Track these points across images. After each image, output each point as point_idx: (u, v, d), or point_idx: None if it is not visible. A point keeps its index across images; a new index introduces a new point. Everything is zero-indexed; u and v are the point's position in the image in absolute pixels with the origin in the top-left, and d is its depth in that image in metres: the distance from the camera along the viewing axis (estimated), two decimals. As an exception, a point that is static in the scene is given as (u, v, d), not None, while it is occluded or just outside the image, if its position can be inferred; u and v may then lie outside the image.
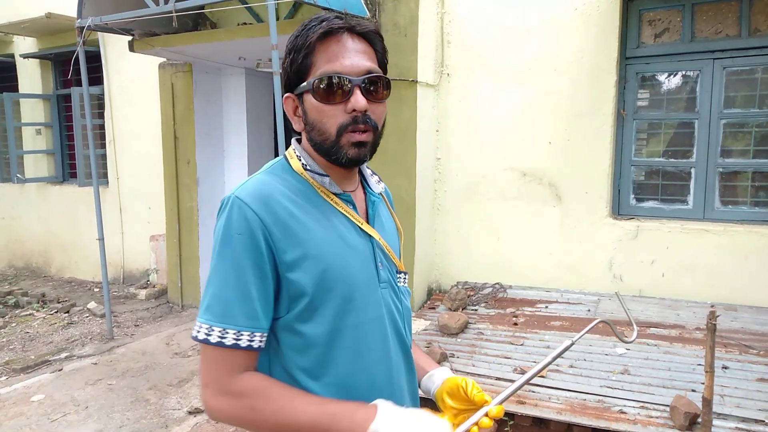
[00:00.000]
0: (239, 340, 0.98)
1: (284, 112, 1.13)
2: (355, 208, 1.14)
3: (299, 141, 1.15)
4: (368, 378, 1.08)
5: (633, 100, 4.19)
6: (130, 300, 6.16)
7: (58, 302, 6.19)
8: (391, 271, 1.18)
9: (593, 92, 4.17)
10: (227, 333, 0.97)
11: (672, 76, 4.10)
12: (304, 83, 1.04)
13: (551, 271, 4.41)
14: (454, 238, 4.79)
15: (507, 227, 4.57)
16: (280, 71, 1.12)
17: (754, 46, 3.80)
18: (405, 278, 1.25)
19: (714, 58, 3.91)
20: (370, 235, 1.13)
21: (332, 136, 1.04)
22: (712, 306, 3.81)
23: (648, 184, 4.24)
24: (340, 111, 1.03)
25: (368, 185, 1.21)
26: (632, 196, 4.28)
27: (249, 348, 0.99)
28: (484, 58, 4.56)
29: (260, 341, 1.00)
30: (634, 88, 4.17)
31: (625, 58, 4.16)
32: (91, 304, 5.87)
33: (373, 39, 1.09)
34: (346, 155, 1.05)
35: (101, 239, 4.79)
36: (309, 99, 1.05)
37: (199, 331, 0.99)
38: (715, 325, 2.42)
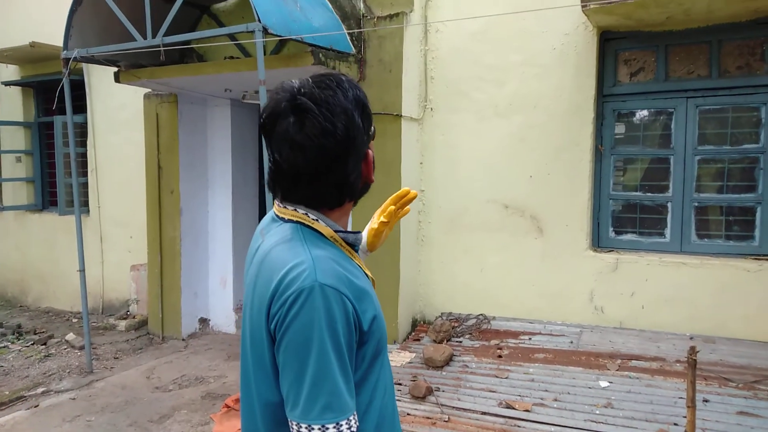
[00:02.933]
0: (350, 423, 0.98)
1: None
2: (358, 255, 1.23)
3: (313, 207, 1.13)
4: (391, 404, 1.17)
5: (610, 136, 4.32)
6: (109, 331, 6.05)
7: (35, 333, 6.05)
8: None
9: (572, 128, 4.29)
10: (350, 421, 0.98)
11: (648, 114, 4.25)
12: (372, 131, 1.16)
13: (534, 302, 4.47)
14: (438, 268, 4.83)
15: (490, 258, 4.63)
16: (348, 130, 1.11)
17: (724, 86, 3.97)
18: None
19: (687, 97, 4.07)
20: (370, 277, 1.21)
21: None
22: (691, 338, 3.89)
23: (626, 217, 4.35)
24: None
25: None
26: (611, 229, 4.38)
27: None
28: (466, 93, 4.67)
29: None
30: (611, 124, 4.31)
31: (602, 96, 4.31)
32: (70, 336, 5.75)
33: None
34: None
35: (82, 271, 4.72)
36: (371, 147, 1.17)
37: None
38: (695, 360, 2.48)
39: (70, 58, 4.39)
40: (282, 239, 1.09)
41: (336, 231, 1.12)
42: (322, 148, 1.03)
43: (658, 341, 3.95)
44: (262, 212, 6.37)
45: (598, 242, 4.38)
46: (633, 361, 3.72)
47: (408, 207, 1.49)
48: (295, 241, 1.07)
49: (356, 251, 1.18)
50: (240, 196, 6.01)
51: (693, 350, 2.49)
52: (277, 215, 1.17)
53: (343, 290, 0.99)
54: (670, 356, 3.73)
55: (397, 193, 1.47)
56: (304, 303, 0.96)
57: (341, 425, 0.95)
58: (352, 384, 1.00)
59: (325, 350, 0.95)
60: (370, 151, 1.14)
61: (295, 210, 1.12)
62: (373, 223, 1.47)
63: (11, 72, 7.22)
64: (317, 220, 1.11)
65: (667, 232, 4.20)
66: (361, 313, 1.02)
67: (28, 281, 7.42)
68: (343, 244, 1.13)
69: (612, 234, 4.37)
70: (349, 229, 1.18)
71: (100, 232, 6.65)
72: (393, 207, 1.45)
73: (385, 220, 1.44)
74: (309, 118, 1.02)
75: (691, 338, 3.90)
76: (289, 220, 1.12)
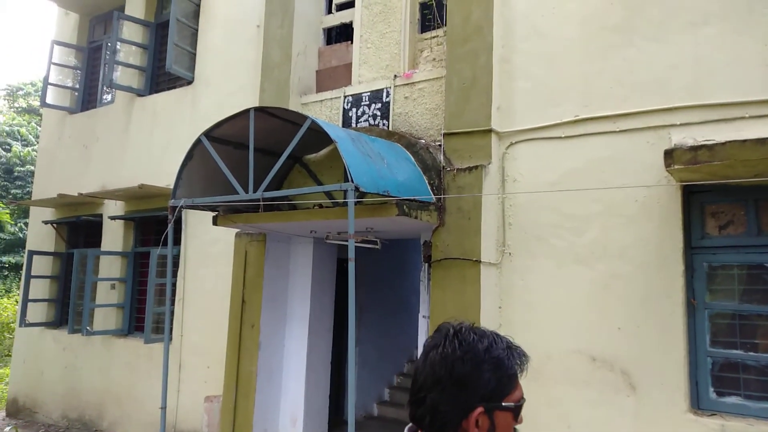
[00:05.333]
0: None
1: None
2: None
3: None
4: None
5: (703, 289, 4.15)
6: (178, 466, 5.99)
7: (108, 465, 6.08)
8: None
9: (660, 280, 4.18)
10: None
11: (741, 268, 4.09)
12: (510, 404, 1.19)
13: (629, 468, 4.09)
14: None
15: (577, 415, 4.35)
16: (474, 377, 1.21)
17: (826, 243, 3.80)
18: None
19: (784, 252, 3.91)
20: None
21: None
22: None
23: (728, 377, 4.04)
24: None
25: None
26: (711, 389, 4.05)
27: None
28: (544, 239, 4.70)
29: None
30: (703, 277, 4.16)
31: (690, 248, 4.21)
32: (141, 471, 5.73)
33: None
34: None
35: (163, 408, 4.82)
36: (505, 417, 1.19)
37: None
38: None
39: (177, 207, 4.84)
40: None
41: None
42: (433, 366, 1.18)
43: None
44: (336, 348, 6.40)
45: (698, 404, 4.05)
46: None
47: None
48: None
49: None
50: (315, 332, 6.09)
51: None
52: None
53: None
54: None
55: None
56: None
57: None
58: None
59: None
60: (481, 412, 1.16)
61: None
62: None
63: (117, 208, 7.99)
64: None
65: (778, 397, 3.84)
66: None
67: (106, 405, 7.61)
68: None
69: (713, 395, 4.04)
70: None
71: (180, 361, 6.84)
72: None
73: None
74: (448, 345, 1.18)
75: None
76: None
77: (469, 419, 1.15)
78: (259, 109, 4.51)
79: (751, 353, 3.97)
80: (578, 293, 4.49)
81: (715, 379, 4.07)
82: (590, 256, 4.49)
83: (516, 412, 1.20)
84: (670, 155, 3.75)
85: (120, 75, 8.25)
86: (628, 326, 4.26)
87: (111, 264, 7.93)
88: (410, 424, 1.23)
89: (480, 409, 1.15)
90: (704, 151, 3.63)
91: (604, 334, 4.34)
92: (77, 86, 9.21)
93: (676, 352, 4.07)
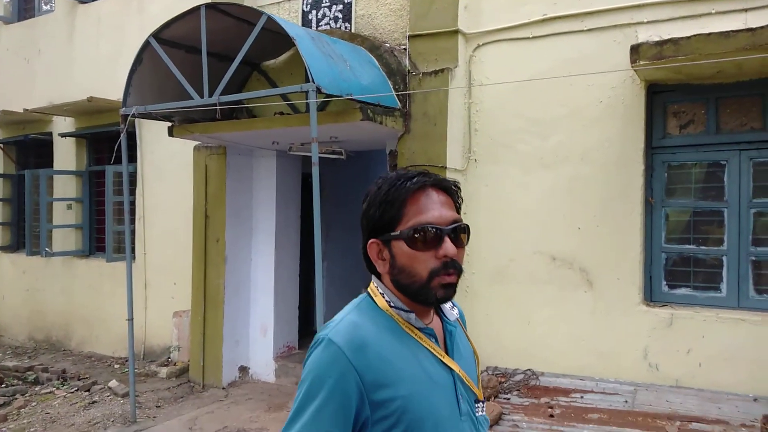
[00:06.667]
0: None
1: (368, 255, 1.20)
2: (436, 341, 1.21)
3: (379, 277, 1.22)
4: None
5: (661, 188, 4.26)
6: (150, 378, 6.09)
7: (79, 379, 6.13)
8: (470, 402, 1.23)
9: (621, 180, 4.26)
10: None
11: (699, 166, 4.19)
12: (396, 232, 1.13)
13: (584, 358, 4.34)
14: (483, 321, 4.74)
15: (537, 312, 4.54)
16: (364, 215, 1.21)
17: (779, 139, 3.90)
18: (483, 407, 1.27)
19: (740, 150, 4.00)
20: (450, 368, 1.18)
21: (423, 279, 1.13)
22: (755, 399, 3.70)
23: (680, 271, 4.24)
24: (431, 257, 1.12)
25: (444, 314, 1.27)
26: (664, 282, 4.26)
27: None
28: (510, 145, 4.69)
29: None
30: (662, 176, 4.26)
31: (651, 148, 4.27)
32: (113, 383, 5.80)
33: (452, 192, 1.19)
34: (435, 296, 1.14)
35: (130, 320, 4.80)
36: (400, 246, 1.13)
37: None
38: (771, 431, 2.36)
39: (128, 115, 4.59)
40: (350, 302, 1.22)
41: (390, 305, 1.17)
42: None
43: (718, 402, 3.77)
44: (303, 259, 6.42)
45: (650, 296, 4.27)
46: (693, 423, 3.54)
47: None
48: (350, 305, 1.20)
49: (427, 333, 1.18)
50: (282, 245, 6.07)
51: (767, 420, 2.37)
52: None
53: (347, 351, 1.05)
54: (734, 419, 3.54)
55: None
56: (313, 350, 1.10)
57: None
58: None
59: (310, 395, 1.06)
60: (374, 243, 1.17)
61: (373, 282, 1.22)
62: None
63: (68, 124, 7.58)
64: (383, 294, 1.18)
65: (723, 286, 4.07)
66: (367, 384, 1.05)
67: (72, 325, 7.57)
68: (402, 320, 1.16)
69: (665, 288, 4.25)
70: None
71: (145, 279, 6.79)
72: None
73: None
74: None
75: (755, 400, 3.71)
76: (366, 289, 1.24)
77: (370, 256, 1.18)
78: (210, 6, 4.22)
79: (702, 247, 4.15)
80: (542, 197, 4.55)
81: (668, 273, 4.27)
82: (554, 160, 4.51)
83: (407, 238, 1.10)
84: (636, 51, 3.71)
85: (57, -21, 7.58)
86: (588, 226, 4.37)
87: (65, 184, 7.63)
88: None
89: (370, 242, 1.17)
90: (669, 45, 3.60)
91: (565, 234, 4.45)
92: (10, -8, 8.44)
93: (632, 249, 4.22)
